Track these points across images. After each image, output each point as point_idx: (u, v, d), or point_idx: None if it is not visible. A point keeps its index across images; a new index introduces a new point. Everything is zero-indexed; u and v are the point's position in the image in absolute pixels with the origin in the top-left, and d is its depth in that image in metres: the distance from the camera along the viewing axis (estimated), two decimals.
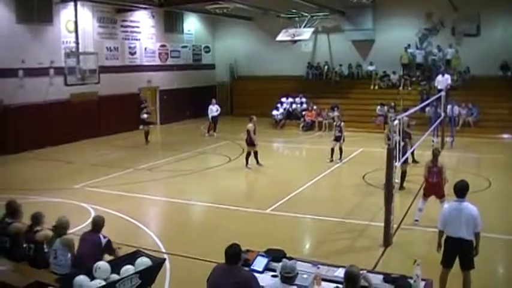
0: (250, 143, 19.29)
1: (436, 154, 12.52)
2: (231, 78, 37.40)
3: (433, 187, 12.21)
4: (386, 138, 11.60)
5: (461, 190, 8.32)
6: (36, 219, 8.54)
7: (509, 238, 11.63)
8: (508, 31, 29.51)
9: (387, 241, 11.00)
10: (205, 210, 14.55)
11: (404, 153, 14.09)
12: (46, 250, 8.27)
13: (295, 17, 32.67)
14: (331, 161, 20.00)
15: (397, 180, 15.45)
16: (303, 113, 30.35)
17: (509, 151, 22.87)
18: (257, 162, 19.40)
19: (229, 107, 35.81)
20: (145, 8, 29.04)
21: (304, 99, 31.52)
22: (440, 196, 12.08)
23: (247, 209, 13.99)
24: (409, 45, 31.33)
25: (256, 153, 19.42)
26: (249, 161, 19.36)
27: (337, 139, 20.00)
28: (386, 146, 11.26)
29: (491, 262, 10.33)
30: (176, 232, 12.44)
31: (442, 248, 8.45)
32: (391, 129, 11.20)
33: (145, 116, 25.43)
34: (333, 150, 20.03)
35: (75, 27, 24.97)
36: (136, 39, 30.25)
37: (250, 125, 19.27)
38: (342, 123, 20.26)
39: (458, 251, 8.23)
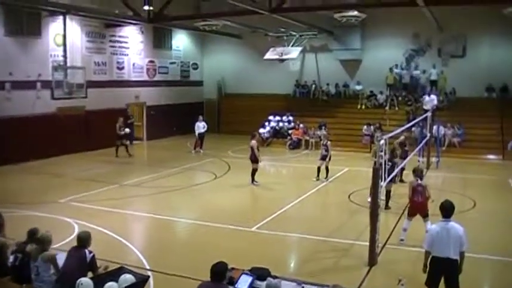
0: (254, 159, 19.20)
1: (417, 172, 12.61)
2: (218, 95, 37.47)
3: (418, 206, 12.29)
4: (374, 156, 11.66)
5: (447, 210, 8.34)
6: (32, 234, 8.46)
7: (494, 258, 11.63)
8: (494, 53, 29.89)
9: (372, 260, 10.99)
10: (191, 227, 14.46)
11: (390, 173, 14.19)
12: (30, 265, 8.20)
13: (284, 35, 32.86)
14: (318, 179, 20.01)
15: (382, 197, 15.59)
16: (290, 131, 30.42)
17: (495, 171, 23.06)
18: (252, 179, 19.35)
19: (216, 124, 35.79)
20: (134, 24, 29.08)
21: (291, 118, 31.63)
22: (425, 215, 12.19)
23: (232, 226, 13.92)
24: (396, 66, 31.64)
25: (254, 171, 19.34)
26: (255, 178, 19.37)
27: (324, 158, 20.03)
28: (373, 162, 11.33)
29: (477, 282, 10.35)
30: (161, 249, 12.34)
31: (428, 269, 8.44)
32: (378, 149, 11.28)
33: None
34: (319, 169, 20.06)
35: (64, 41, 24.96)
36: (125, 55, 30.26)
37: (253, 142, 19.23)
38: (329, 142, 20.30)
39: (445, 271, 8.22)
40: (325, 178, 20.06)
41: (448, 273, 8.21)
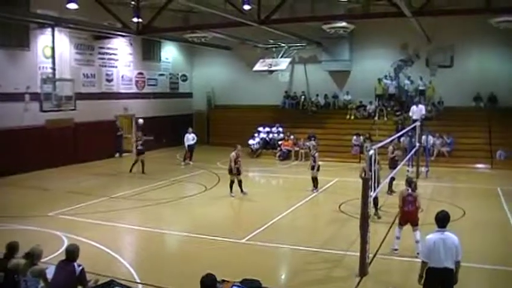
0: (230, 171, 19.32)
1: (410, 182, 12.66)
2: (208, 107, 37.49)
3: (408, 215, 12.32)
4: (363, 172, 11.71)
5: (443, 220, 8.38)
6: (12, 249, 8.38)
7: (484, 267, 11.69)
8: (481, 63, 30.21)
9: (363, 271, 10.98)
10: (181, 239, 14.40)
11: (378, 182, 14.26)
12: (17, 279, 8.10)
13: (273, 47, 33.03)
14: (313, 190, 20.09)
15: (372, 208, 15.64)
16: (280, 142, 30.44)
17: (483, 180, 23.23)
18: (241, 190, 19.39)
19: (206, 136, 35.74)
20: (123, 36, 29.04)
21: (280, 129, 31.66)
22: (415, 224, 12.22)
23: (223, 238, 13.87)
24: (385, 76, 31.81)
25: (240, 182, 19.39)
26: (233, 189, 19.36)
27: (312, 168, 20.09)
28: (362, 176, 11.38)
29: None
30: (151, 262, 12.25)
31: (424, 279, 8.41)
32: (367, 162, 11.35)
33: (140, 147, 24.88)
34: (313, 179, 20.12)
35: (52, 53, 24.88)
36: (114, 67, 30.23)
37: (232, 154, 19.34)
38: (316, 153, 20.34)
39: (441, 281, 8.23)
40: (315, 189, 20.07)
41: (445, 283, 8.24)
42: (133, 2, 24.21)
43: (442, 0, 21.98)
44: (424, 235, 9.50)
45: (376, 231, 13.62)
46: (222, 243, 13.54)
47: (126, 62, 31.32)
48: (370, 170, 11.57)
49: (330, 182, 22.01)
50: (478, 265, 11.66)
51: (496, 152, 26.38)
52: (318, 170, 20.07)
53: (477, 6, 22.44)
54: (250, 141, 30.77)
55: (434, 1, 20.73)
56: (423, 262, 8.35)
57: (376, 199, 15.57)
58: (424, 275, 8.39)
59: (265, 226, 15.12)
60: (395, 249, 12.37)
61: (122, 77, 30.97)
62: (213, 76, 36.96)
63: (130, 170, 24.17)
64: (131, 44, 31.37)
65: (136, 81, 32.35)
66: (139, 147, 24.55)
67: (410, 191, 12.46)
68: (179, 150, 29.11)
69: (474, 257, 11.90)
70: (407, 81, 31.65)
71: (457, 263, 8.23)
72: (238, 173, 19.39)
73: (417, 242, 12.01)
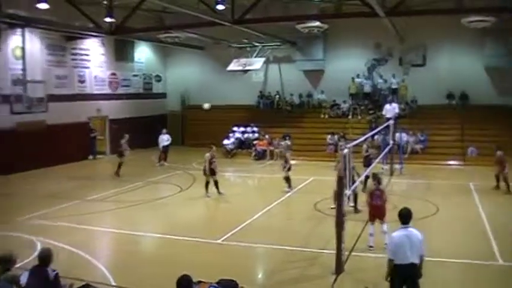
0: (205, 172, 19.30)
1: (377, 178, 13.12)
2: (182, 107, 37.32)
3: (376, 209, 12.64)
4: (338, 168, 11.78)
5: (405, 217, 8.53)
6: None
7: (457, 261, 11.87)
8: (453, 61, 30.64)
9: (339, 268, 11.04)
10: (157, 241, 14.31)
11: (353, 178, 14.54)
12: None
13: (247, 46, 33.01)
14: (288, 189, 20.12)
15: (352, 204, 15.79)
16: (255, 142, 30.43)
17: (456, 176, 23.58)
18: (218, 191, 19.35)
19: (180, 137, 35.55)
20: (95, 36, 28.77)
21: (255, 129, 31.66)
22: (383, 217, 12.56)
23: (199, 239, 13.81)
24: (357, 75, 31.98)
25: (216, 182, 19.36)
26: (209, 190, 19.29)
27: (284, 168, 20.16)
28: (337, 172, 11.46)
29: (442, 285, 10.50)
30: (126, 264, 12.15)
31: (391, 277, 8.49)
32: (340, 161, 11.43)
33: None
34: (285, 179, 20.15)
35: (23, 54, 24.59)
36: (86, 67, 29.93)
37: (207, 155, 19.37)
38: (287, 153, 20.37)
39: (408, 276, 8.33)
40: (289, 188, 20.08)
41: (412, 278, 8.35)
42: (105, 2, 23.96)
43: (415, 0, 22.14)
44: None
45: (352, 229, 13.68)
46: (198, 244, 13.48)
47: (99, 62, 31.03)
48: (345, 169, 11.64)
49: (305, 181, 22.05)
50: (451, 260, 11.88)
51: (468, 148, 26.72)
52: (289, 169, 20.11)
53: (449, 6, 22.77)
54: (225, 142, 30.71)
55: (407, 1, 20.90)
56: (390, 260, 8.42)
57: (356, 195, 15.99)
58: (391, 272, 8.47)
59: (241, 226, 15.10)
60: (371, 246, 12.49)
61: (95, 78, 30.67)
62: (187, 76, 36.82)
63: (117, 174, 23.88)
64: (104, 45, 31.07)
65: (110, 82, 32.08)
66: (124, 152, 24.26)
67: (377, 186, 12.89)
68: (154, 151, 28.90)
69: (448, 251, 12.20)
70: (380, 80, 31.89)
71: (422, 257, 8.38)
72: (214, 173, 19.34)
73: (385, 233, 12.22)
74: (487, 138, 25.92)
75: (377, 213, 12.65)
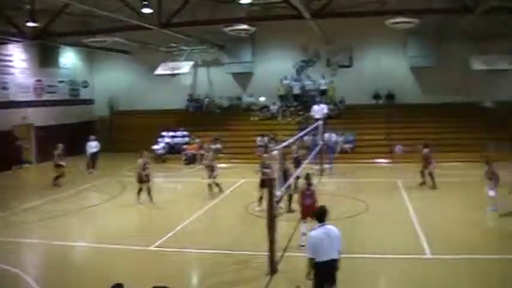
0: (139, 178, 19.00)
1: (308, 178, 13.49)
2: (110, 113, 36.68)
3: (307, 208, 12.79)
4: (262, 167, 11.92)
5: (322, 215, 8.83)
6: None
7: (387, 257, 12.22)
8: (379, 62, 31.52)
9: (272, 269, 11.12)
10: (88, 251, 13.98)
11: (286, 179, 14.79)
12: None
13: (175, 50, 32.81)
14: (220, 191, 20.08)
15: (281, 205, 15.93)
16: (185, 146, 30.22)
17: (384, 174, 24.32)
18: (150, 198, 19.01)
19: (109, 143, 34.78)
20: (17, 41, 27.87)
21: (185, 133, 31.44)
22: (312, 217, 12.61)
23: (131, 247, 13.60)
24: (285, 77, 32.33)
25: (149, 189, 19.02)
26: (141, 197, 18.98)
27: (210, 176, 20.12)
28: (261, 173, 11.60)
29: (375, 280, 10.77)
30: (57, 276, 11.79)
31: (313, 274, 8.66)
32: (267, 160, 11.57)
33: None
34: (213, 184, 20.10)
35: None
36: (9, 74, 28.96)
37: (139, 161, 19.08)
38: (213, 162, 20.25)
39: (330, 272, 8.61)
40: (219, 191, 20.06)
41: (332, 273, 8.65)
42: (28, 6, 23.27)
43: (341, 2, 22.59)
44: None
45: (285, 229, 13.83)
46: (131, 252, 13.28)
47: (22, 69, 30.08)
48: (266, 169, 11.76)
49: (237, 183, 22.10)
50: (382, 255, 12.24)
51: (395, 146, 27.44)
52: (213, 172, 20.03)
53: (373, 8, 23.38)
54: (155, 147, 30.33)
55: (332, 3, 21.29)
56: (310, 259, 8.60)
57: (290, 195, 16.32)
58: (312, 271, 8.64)
59: (174, 232, 14.98)
60: (303, 246, 12.57)
61: (19, 84, 29.71)
62: (115, 81, 36.22)
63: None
64: (27, 50, 30.14)
65: (34, 89, 31.15)
66: (60, 162, 23.51)
67: (308, 185, 13.26)
68: (82, 158, 28.24)
69: (378, 247, 12.57)
70: (309, 82, 32.32)
71: (339, 253, 8.71)
72: (147, 180, 19.08)
73: (303, 234, 12.48)
74: (413, 136, 26.70)
75: (307, 211, 12.81)
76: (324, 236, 8.56)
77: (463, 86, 30.51)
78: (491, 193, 16.23)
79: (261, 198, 16.62)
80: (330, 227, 8.72)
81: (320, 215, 8.83)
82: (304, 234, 12.70)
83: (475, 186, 18.12)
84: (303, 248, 12.49)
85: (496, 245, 12.91)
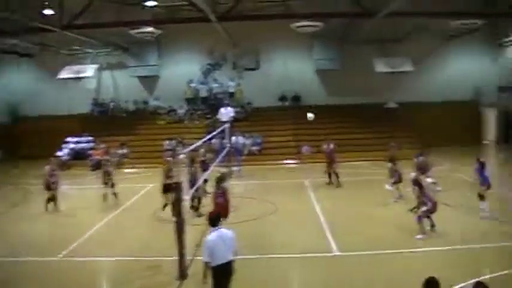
0: (46, 186, 18.32)
1: (220, 178, 13.91)
2: (12, 119, 35.07)
3: (219, 207, 12.93)
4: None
5: (215, 219, 9.03)
6: None
7: (296, 256, 12.47)
8: (285, 65, 32.21)
9: (182, 274, 11.05)
10: None
11: (195, 182, 15.13)
12: None
13: (79, 53, 31.95)
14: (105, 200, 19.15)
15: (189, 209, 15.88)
16: (90, 152, 29.41)
17: (292, 175, 24.86)
18: (55, 206, 18.35)
19: (12, 150, 33.28)
20: None
21: (90, 138, 30.62)
22: (225, 216, 12.87)
23: (37, 258, 13.06)
24: (192, 80, 32.24)
25: (55, 197, 18.35)
26: (48, 205, 18.29)
27: (108, 184, 19.21)
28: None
29: (282, 282, 10.89)
30: None
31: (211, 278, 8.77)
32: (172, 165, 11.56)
33: None
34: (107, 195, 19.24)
35: None
36: None
37: (46, 168, 18.45)
38: (110, 168, 19.54)
39: (228, 272, 8.81)
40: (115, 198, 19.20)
41: (230, 274, 8.85)
42: None
43: (247, 5, 22.77)
44: (242, 233, 9.79)
45: (192, 233, 13.71)
46: (37, 263, 12.73)
47: None
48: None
49: (145, 188, 21.75)
50: (291, 255, 12.47)
51: (302, 147, 27.92)
52: (112, 186, 19.18)
53: (279, 11, 23.75)
54: (59, 153, 29.32)
55: (238, 7, 21.42)
56: (206, 263, 8.74)
57: (199, 198, 16.51)
58: (209, 274, 8.77)
59: (81, 240, 14.54)
60: None
61: None
62: (16, 86, 34.63)
63: None
64: None
65: None
66: None
67: (218, 185, 13.61)
68: None
69: (287, 247, 12.82)
70: (216, 84, 32.37)
71: (235, 253, 8.93)
72: (55, 187, 18.40)
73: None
74: (319, 137, 27.23)
75: (220, 211, 12.88)
76: (219, 240, 8.75)
77: (367, 88, 31.70)
78: (388, 187, 17.95)
79: (165, 205, 16.33)
80: (224, 231, 8.93)
81: (214, 220, 9.01)
82: None
83: (380, 185, 18.81)
84: None
85: (400, 241, 13.42)
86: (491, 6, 25.60)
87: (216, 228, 8.90)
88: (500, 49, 32.92)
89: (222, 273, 8.71)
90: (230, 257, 8.81)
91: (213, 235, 8.80)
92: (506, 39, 31.65)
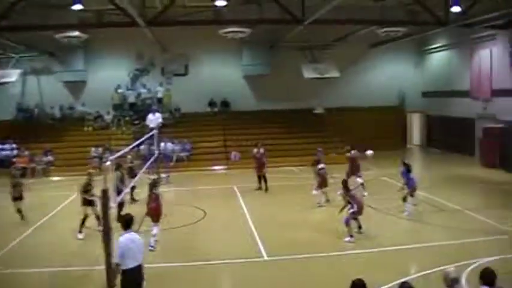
0: None
1: (152, 184, 14.24)
2: None
3: (151, 211, 13.61)
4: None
5: (129, 222, 9.09)
6: None
7: (226, 262, 12.49)
8: (214, 70, 32.41)
9: (110, 283, 10.79)
10: None
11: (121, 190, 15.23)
12: None
13: (1, 57, 30.90)
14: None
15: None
16: (14, 159, 28.35)
17: (221, 181, 25.08)
18: None
19: None
20: None
21: (14, 145, 29.57)
22: (156, 220, 13.57)
23: None
24: (119, 86, 31.79)
25: None
26: None
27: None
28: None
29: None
30: None
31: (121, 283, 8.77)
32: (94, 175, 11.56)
33: None
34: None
35: None
36: None
37: None
38: (20, 180, 18.75)
39: (140, 277, 8.85)
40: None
41: (141, 278, 8.91)
42: None
43: (176, 11, 22.63)
44: (171, 240, 9.68)
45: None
46: None
47: None
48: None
49: (71, 197, 21.10)
50: (221, 261, 12.52)
51: (231, 153, 27.98)
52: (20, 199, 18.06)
53: (208, 17, 23.82)
54: None
55: (167, 12, 21.26)
56: (117, 264, 8.74)
57: (122, 204, 15.89)
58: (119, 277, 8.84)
59: (3, 252, 13.94)
60: (152, 247, 13.15)
61: None
62: None
63: None
64: None
65: None
66: None
67: (152, 190, 13.92)
68: None
69: (217, 254, 12.92)
70: (143, 90, 32.07)
71: (141, 258, 9.02)
72: None
73: (154, 235, 13.35)
74: (248, 142, 27.38)
75: (152, 214, 13.62)
76: (131, 243, 8.77)
77: (295, 93, 32.15)
78: (314, 192, 18.37)
79: (85, 218, 15.64)
80: (134, 234, 9.06)
81: (128, 222, 9.05)
82: (154, 235, 13.38)
83: (309, 189, 19.05)
84: (153, 249, 12.60)
85: (328, 244, 13.71)
86: (414, 15, 26.44)
87: (128, 231, 8.92)
88: (424, 56, 34.22)
89: (134, 277, 8.68)
90: (140, 261, 8.85)
91: (125, 236, 8.82)
92: (430, 47, 32.97)
